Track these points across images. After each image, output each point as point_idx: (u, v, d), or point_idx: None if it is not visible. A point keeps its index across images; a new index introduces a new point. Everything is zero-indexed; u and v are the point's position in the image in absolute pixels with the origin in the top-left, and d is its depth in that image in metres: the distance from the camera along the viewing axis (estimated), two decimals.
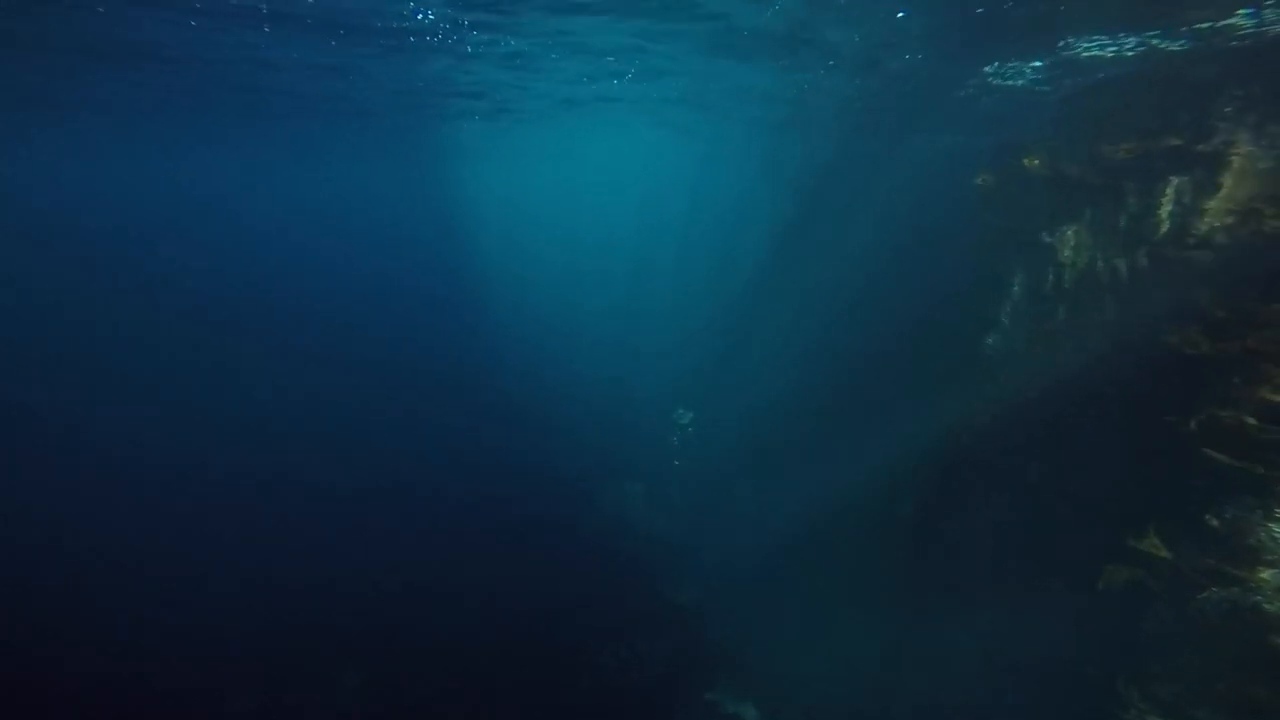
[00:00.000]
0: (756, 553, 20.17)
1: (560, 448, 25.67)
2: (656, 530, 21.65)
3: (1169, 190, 12.70)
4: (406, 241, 73.43)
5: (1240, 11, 12.11)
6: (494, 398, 30.00)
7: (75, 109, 29.20)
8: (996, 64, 17.98)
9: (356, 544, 19.59)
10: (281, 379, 31.54)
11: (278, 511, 20.80)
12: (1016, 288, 15.95)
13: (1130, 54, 15.52)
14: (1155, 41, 14.43)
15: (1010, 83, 19.40)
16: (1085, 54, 16.06)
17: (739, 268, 31.54)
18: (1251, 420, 10.40)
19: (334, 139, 37.85)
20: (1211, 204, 12.13)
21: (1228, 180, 12.08)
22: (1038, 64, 17.66)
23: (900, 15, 14.01)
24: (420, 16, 15.94)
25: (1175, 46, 14.54)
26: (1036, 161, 16.47)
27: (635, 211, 55.13)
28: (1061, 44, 15.55)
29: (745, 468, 23.70)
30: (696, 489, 23.46)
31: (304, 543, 19.27)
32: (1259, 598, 10.00)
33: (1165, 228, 12.65)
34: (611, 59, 19.60)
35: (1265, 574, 10.02)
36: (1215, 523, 10.55)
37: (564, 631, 16.77)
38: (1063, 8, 12.76)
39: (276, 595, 17.08)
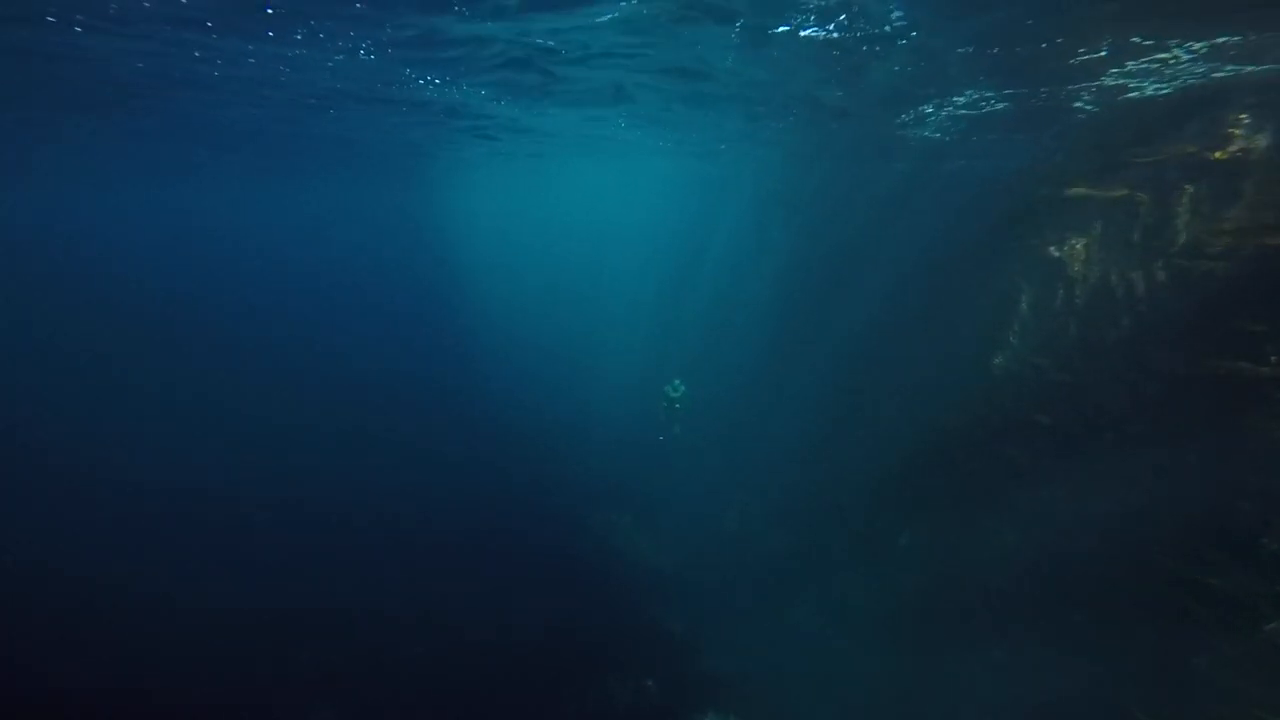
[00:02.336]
0: (750, 580, 19.42)
1: (551, 476, 24.73)
2: (647, 557, 20.78)
3: (1184, 200, 11.97)
4: (398, 267, 72.94)
5: None
6: (484, 426, 29.15)
7: (59, 141, 28.50)
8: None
9: (340, 569, 18.90)
10: (275, 404, 30.83)
11: (263, 535, 20.30)
12: (1024, 305, 15.17)
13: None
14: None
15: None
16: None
17: (737, 297, 31.17)
18: None
19: (326, 164, 37.22)
20: (1233, 213, 11.39)
21: (1249, 188, 11.34)
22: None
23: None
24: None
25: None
26: (1045, 176, 15.84)
27: (632, 241, 54.88)
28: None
29: (737, 492, 22.89)
30: (687, 516, 22.43)
31: (286, 567, 18.73)
32: None
33: (1183, 239, 11.89)
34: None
35: None
36: (1276, 547, 9.59)
37: (553, 663, 15.96)
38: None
39: (254, 621, 16.59)
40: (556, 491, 23.58)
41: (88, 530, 20.08)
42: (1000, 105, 16.63)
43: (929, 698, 13.97)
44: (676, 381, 21.85)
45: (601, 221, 67.83)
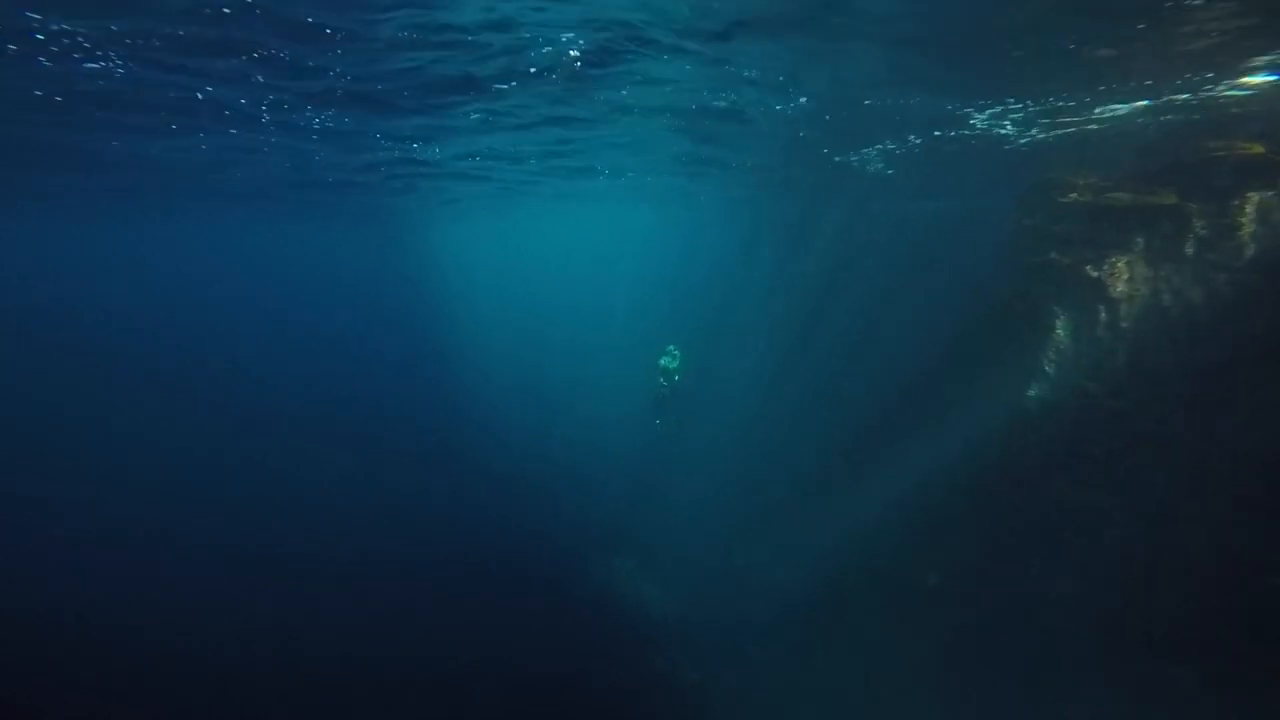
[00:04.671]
0: (763, 626, 18.24)
1: (547, 519, 23.36)
2: (652, 604, 19.60)
3: (1248, 208, 10.70)
4: (377, 306, 71.48)
5: None
6: (473, 472, 27.66)
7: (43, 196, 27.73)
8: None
9: (329, 612, 17.79)
10: (272, 452, 29.44)
11: (257, 577, 19.18)
12: (1060, 331, 13.87)
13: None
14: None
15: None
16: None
17: (741, 332, 30.30)
18: None
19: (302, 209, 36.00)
20: None
21: None
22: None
23: None
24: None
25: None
26: (1074, 193, 14.65)
27: (623, 281, 54.30)
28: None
29: (743, 532, 21.58)
30: (692, 558, 21.06)
31: (287, 607, 17.78)
32: None
33: (1251, 251, 10.61)
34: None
35: None
36: None
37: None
38: None
39: (251, 655, 15.87)
40: (553, 536, 22.16)
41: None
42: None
43: None
44: (672, 349, 19.77)
45: (589, 259, 67.05)
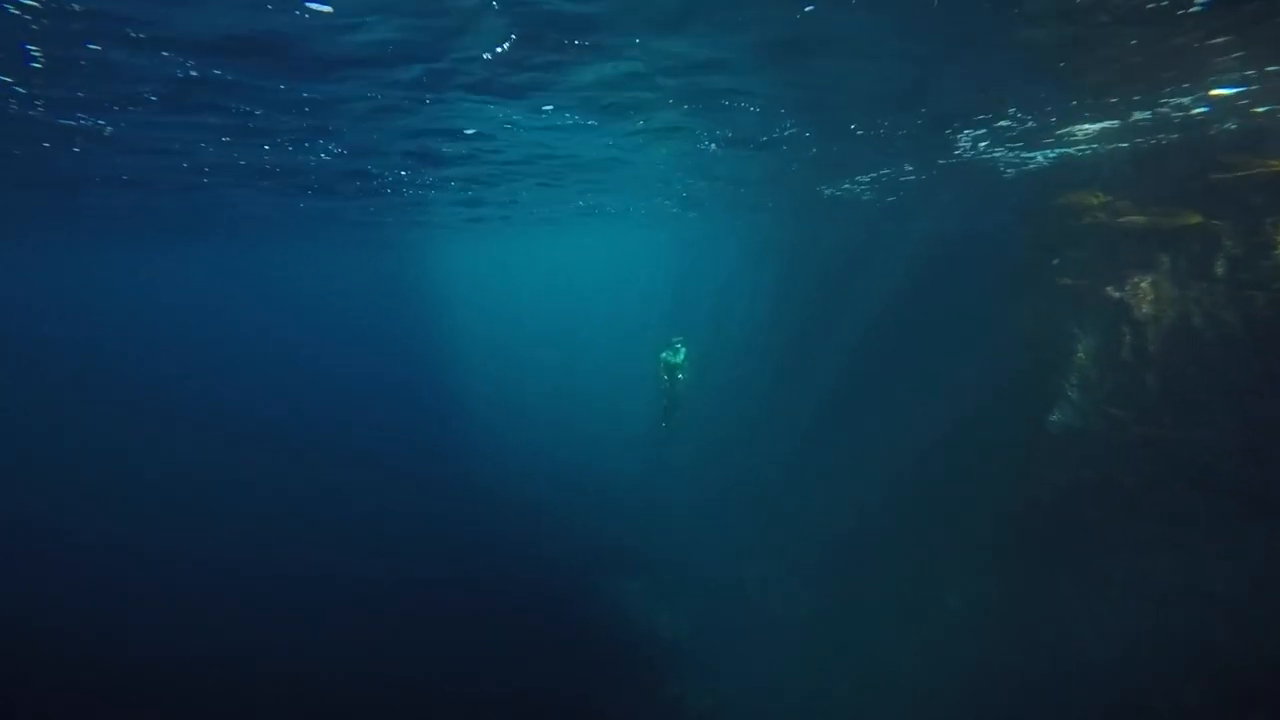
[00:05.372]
0: (777, 647, 17.87)
1: (555, 541, 23.00)
2: (663, 627, 19.14)
3: None
4: (391, 336, 70.98)
5: None
6: (481, 494, 27.28)
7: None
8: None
9: (335, 632, 17.66)
10: (256, 473, 29.17)
11: (260, 599, 19.16)
12: (1081, 355, 13.56)
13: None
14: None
15: None
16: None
17: (743, 346, 30.09)
18: None
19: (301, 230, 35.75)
20: None
21: None
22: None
23: None
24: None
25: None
26: (1088, 214, 14.39)
27: (624, 303, 54.18)
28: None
29: (754, 552, 21.29)
30: (702, 579, 20.67)
31: (292, 630, 17.68)
32: None
33: None
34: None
35: None
36: None
37: None
38: None
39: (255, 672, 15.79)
40: (562, 559, 21.78)
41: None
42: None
43: None
44: (677, 343, 18.35)
45: (592, 280, 66.82)
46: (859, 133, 14.11)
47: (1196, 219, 12.04)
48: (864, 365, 23.24)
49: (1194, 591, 10.39)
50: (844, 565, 18.82)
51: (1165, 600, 10.73)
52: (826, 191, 21.52)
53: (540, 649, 17.13)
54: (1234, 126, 12.71)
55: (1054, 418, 13.59)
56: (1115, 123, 13.36)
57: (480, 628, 17.98)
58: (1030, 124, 13.46)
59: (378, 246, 42.68)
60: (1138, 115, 12.56)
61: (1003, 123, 13.49)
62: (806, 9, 7.40)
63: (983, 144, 15.35)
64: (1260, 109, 11.33)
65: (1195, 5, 7.24)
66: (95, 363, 53.64)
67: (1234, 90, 10.37)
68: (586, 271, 63.72)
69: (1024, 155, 16.48)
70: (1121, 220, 13.42)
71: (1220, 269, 11.26)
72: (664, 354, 18.45)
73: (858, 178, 19.93)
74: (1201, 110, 11.85)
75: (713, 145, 15.13)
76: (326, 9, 7.32)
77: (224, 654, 16.22)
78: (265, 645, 16.56)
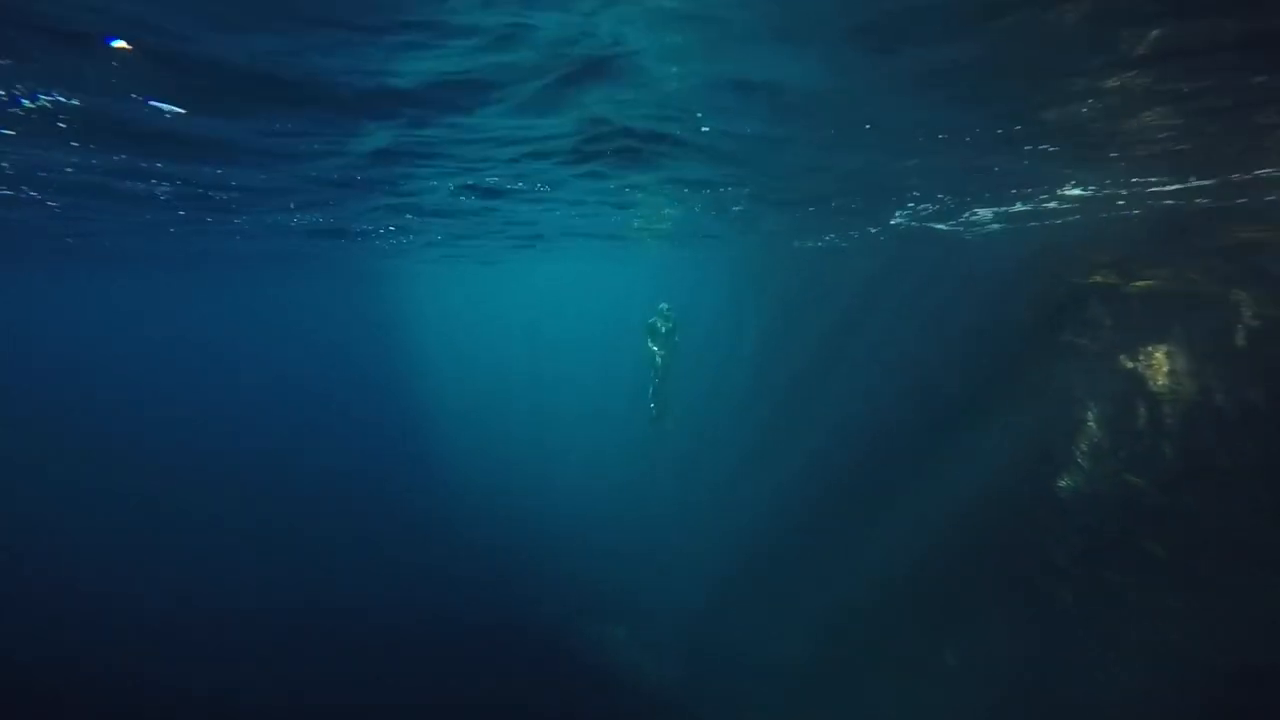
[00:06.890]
0: (768, 700, 17.04)
1: (533, 587, 21.95)
2: (649, 677, 18.28)
3: None
4: (352, 367, 69.47)
5: None
6: (461, 539, 26.26)
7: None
8: None
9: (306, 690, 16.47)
10: (221, 508, 28.09)
11: (233, 643, 18.23)
12: (1092, 423, 13.13)
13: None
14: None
15: None
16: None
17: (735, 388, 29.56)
18: None
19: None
20: None
21: None
22: None
23: None
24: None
25: None
26: (1100, 277, 14.19)
27: (603, 341, 53.88)
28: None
29: (741, 600, 20.56)
30: (688, 627, 19.68)
31: (260, 674, 16.70)
32: None
33: None
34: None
35: None
36: None
37: None
38: None
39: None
40: (541, 604, 20.75)
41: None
42: None
43: None
44: (664, 308, 16.95)
45: (570, 317, 66.00)
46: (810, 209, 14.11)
47: (1213, 286, 11.82)
48: (866, 418, 22.64)
49: (1214, 661, 9.81)
50: (841, 619, 17.95)
51: (1190, 671, 10.14)
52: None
53: (521, 701, 16.28)
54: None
55: (1062, 483, 13.11)
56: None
57: (459, 677, 17.04)
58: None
59: (352, 277, 42.09)
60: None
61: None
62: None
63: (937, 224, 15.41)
64: None
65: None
66: (60, 393, 52.02)
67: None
68: (575, 304, 62.87)
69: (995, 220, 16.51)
70: (1132, 284, 13.21)
71: (1241, 341, 10.94)
72: (651, 319, 17.00)
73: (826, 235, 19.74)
74: None
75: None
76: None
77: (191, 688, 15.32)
78: (244, 680, 15.85)
